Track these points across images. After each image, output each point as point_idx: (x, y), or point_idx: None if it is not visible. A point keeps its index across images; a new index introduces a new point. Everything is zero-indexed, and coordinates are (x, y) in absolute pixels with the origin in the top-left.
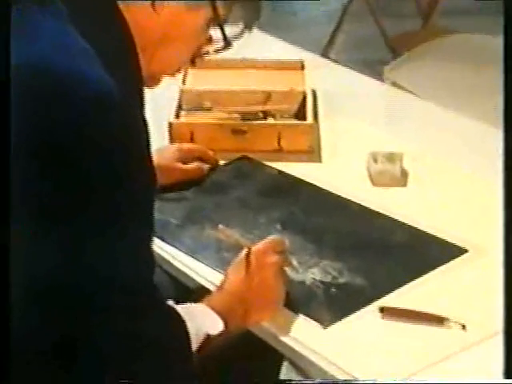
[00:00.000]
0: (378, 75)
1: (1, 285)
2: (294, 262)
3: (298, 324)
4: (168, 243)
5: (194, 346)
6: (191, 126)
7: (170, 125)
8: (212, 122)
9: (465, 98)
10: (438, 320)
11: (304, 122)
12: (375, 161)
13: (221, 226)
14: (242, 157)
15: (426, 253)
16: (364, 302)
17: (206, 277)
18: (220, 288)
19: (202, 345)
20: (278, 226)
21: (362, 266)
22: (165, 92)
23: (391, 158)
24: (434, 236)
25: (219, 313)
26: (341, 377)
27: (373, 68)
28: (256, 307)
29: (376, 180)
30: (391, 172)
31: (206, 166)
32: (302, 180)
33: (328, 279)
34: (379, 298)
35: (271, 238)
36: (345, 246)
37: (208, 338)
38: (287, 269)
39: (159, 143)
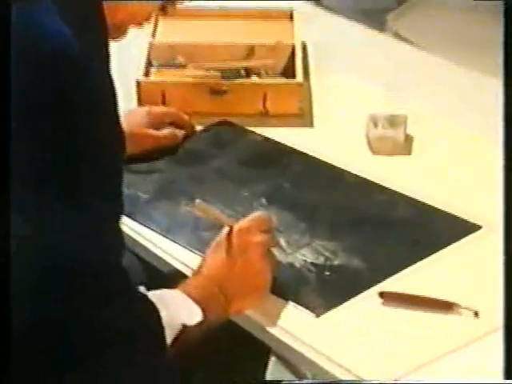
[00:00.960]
0: (379, 25)
1: None
2: (282, 242)
3: (286, 313)
4: (138, 221)
5: (169, 337)
6: (162, 85)
7: (138, 84)
8: (187, 81)
9: (475, 50)
10: (447, 306)
11: (293, 81)
12: (375, 125)
13: (198, 201)
14: (222, 121)
15: (432, 230)
16: (362, 286)
17: (182, 259)
18: (197, 272)
19: (178, 337)
20: (264, 201)
21: (359, 246)
22: (131, 45)
23: (393, 121)
24: (441, 211)
25: (197, 300)
26: (336, 372)
27: (372, 17)
28: (239, 294)
29: (376, 147)
30: (393, 138)
31: (180, 133)
32: (290, 148)
33: (321, 261)
34: (379, 281)
35: (256, 214)
36: (340, 223)
37: (184, 329)
38: (274, 250)
39: (125, 106)
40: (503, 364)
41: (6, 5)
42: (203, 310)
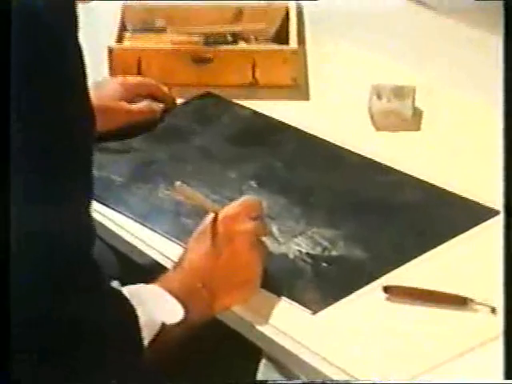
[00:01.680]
0: None
1: None
2: (274, 230)
3: (279, 309)
4: (111, 207)
5: (146, 337)
6: (138, 52)
7: (110, 51)
8: (166, 48)
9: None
10: (460, 301)
11: (286, 47)
12: (379, 97)
13: (179, 184)
14: (206, 93)
15: (443, 216)
16: (364, 279)
17: (161, 250)
18: (178, 264)
19: (157, 337)
20: (253, 184)
21: (361, 234)
22: (102, 7)
23: (400, 93)
24: (454, 194)
25: (178, 296)
26: (335, 377)
27: None
28: (225, 288)
29: (380, 122)
30: (400, 112)
31: (158, 106)
32: (283, 123)
33: (318, 251)
34: (383, 274)
35: (244, 198)
36: (339, 209)
37: (164, 328)
38: (265, 239)
39: (96, 76)
40: (503, 364)
41: (7, 4)
42: (185, 307)
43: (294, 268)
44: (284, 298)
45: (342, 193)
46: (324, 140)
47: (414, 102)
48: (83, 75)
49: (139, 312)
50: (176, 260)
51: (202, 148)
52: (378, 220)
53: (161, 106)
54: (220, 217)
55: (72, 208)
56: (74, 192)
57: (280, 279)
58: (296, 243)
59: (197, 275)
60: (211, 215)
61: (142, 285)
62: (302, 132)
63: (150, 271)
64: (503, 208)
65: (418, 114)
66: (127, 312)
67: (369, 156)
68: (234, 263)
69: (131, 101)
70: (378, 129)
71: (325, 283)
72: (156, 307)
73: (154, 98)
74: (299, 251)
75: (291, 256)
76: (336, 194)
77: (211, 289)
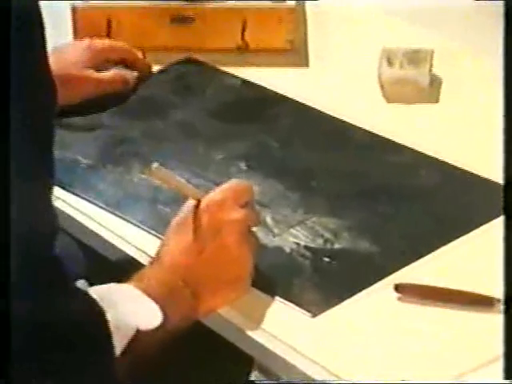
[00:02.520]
0: None
1: None
2: (268, 220)
3: (273, 312)
4: (76, 194)
5: (118, 345)
6: (107, 10)
7: (74, 10)
8: (140, 5)
9: None
10: (485, 302)
11: (281, 4)
12: (391, 63)
13: (156, 166)
14: (187, 59)
15: (465, 202)
16: (372, 276)
17: (135, 243)
18: (156, 260)
19: (131, 344)
20: (243, 165)
21: (369, 224)
22: None
23: (415, 58)
24: (477, 176)
25: (155, 297)
26: None
27: None
28: (210, 288)
29: (392, 93)
30: (415, 80)
31: (131, 75)
32: (278, 95)
33: (318, 244)
34: (395, 270)
35: (232, 183)
36: (344, 195)
37: (139, 334)
38: (256, 230)
39: (57, 39)
40: (503, 364)
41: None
42: (164, 310)
43: (290, 264)
44: (279, 299)
45: (347, 176)
46: (326, 114)
47: (431, 68)
48: (41, 38)
49: (109, 316)
50: (153, 255)
51: (183, 124)
52: (389, 207)
53: (134, 74)
54: (203, 204)
55: (29, 195)
56: (31, 176)
57: (274, 277)
58: (293, 235)
59: (177, 272)
60: (193, 202)
61: (112, 284)
62: (301, 105)
63: (122, 268)
64: None
65: (436, 82)
66: (94, 316)
67: (378, 133)
68: (221, 258)
69: (99, 68)
70: (389, 100)
71: (326, 281)
72: (129, 310)
73: (126, 64)
74: (297, 244)
75: (287, 250)
76: (340, 178)
77: (194, 288)
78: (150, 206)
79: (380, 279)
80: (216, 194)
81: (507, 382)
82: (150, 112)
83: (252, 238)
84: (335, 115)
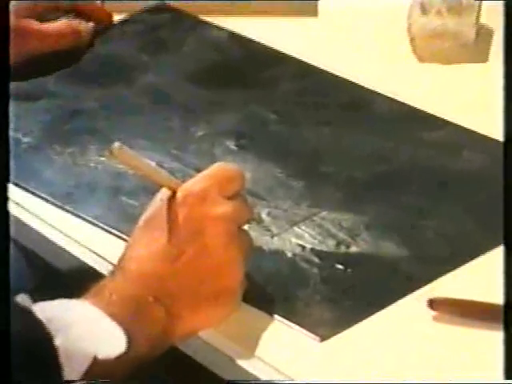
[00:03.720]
0: None
1: None
2: (264, 216)
3: (271, 335)
4: (14, 182)
5: (70, 376)
6: None
7: None
8: None
9: None
10: None
11: None
12: (425, 10)
13: (117, 146)
14: (160, 6)
15: None
16: (399, 288)
17: (92, 246)
18: (119, 269)
19: (88, 374)
20: (231, 145)
21: (395, 221)
22: None
23: (458, 4)
24: None
25: (118, 318)
26: None
27: None
28: (190, 304)
29: (426, 50)
30: (457, 33)
31: (84, 26)
32: (277, 53)
33: (329, 247)
34: (429, 281)
35: (216, 167)
36: (363, 183)
37: (97, 363)
38: (249, 228)
39: None
40: (503, 364)
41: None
42: (129, 334)
43: (293, 272)
44: (278, 318)
45: (366, 159)
46: (339, 77)
47: (478, 18)
48: None
49: (58, 341)
50: (115, 261)
51: (154, 90)
52: (421, 199)
53: (89, 25)
54: (180, 195)
55: None
56: None
57: (272, 289)
58: (297, 235)
59: (147, 284)
60: (167, 193)
61: (64, 300)
62: (307, 65)
63: (75, 279)
64: None
65: (484, 36)
66: (38, 340)
67: (407, 101)
68: (203, 265)
69: (44, 18)
70: (421, 59)
71: (339, 295)
72: (85, 334)
73: (79, 12)
74: (301, 247)
75: (289, 254)
76: (357, 161)
77: (169, 304)
78: (110, 197)
79: (409, 292)
80: (196, 182)
81: (507, 382)
82: (110, 75)
83: (243, 239)
84: (351, 79)
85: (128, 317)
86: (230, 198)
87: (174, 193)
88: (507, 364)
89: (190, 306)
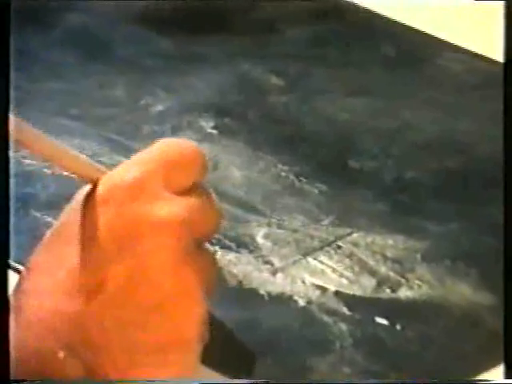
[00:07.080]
0: None
1: None
2: (260, 239)
3: None
4: None
5: None
6: None
7: None
8: None
9: None
10: None
11: None
12: None
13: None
14: None
15: None
16: (482, 356)
17: None
18: (14, 308)
19: None
20: (209, 126)
21: (472, 247)
22: None
23: None
24: None
25: (16, 378)
26: None
27: None
28: (119, 360)
29: None
30: None
31: None
32: None
33: (365, 290)
34: None
35: (161, 143)
36: (420, 187)
37: None
38: (223, 252)
39: None
40: (503, 364)
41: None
42: None
43: (307, 330)
44: None
45: (426, 147)
46: (385, 18)
47: None
48: None
49: None
50: (9, 294)
51: (83, 37)
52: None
53: None
54: (103, 189)
55: None
56: None
57: (275, 360)
58: (312, 270)
59: (55, 330)
60: (86, 187)
61: None
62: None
63: None
64: None
65: None
66: None
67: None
68: (137, 300)
69: None
70: None
71: (383, 368)
72: None
73: None
74: (321, 289)
75: (301, 301)
76: (412, 151)
77: (88, 359)
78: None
79: (498, 362)
80: (128, 167)
81: (507, 382)
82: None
83: (202, 260)
84: (402, 21)
85: (29, 377)
86: (181, 194)
87: (95, 185)
88: (507, 364)
89: (119, 363)
